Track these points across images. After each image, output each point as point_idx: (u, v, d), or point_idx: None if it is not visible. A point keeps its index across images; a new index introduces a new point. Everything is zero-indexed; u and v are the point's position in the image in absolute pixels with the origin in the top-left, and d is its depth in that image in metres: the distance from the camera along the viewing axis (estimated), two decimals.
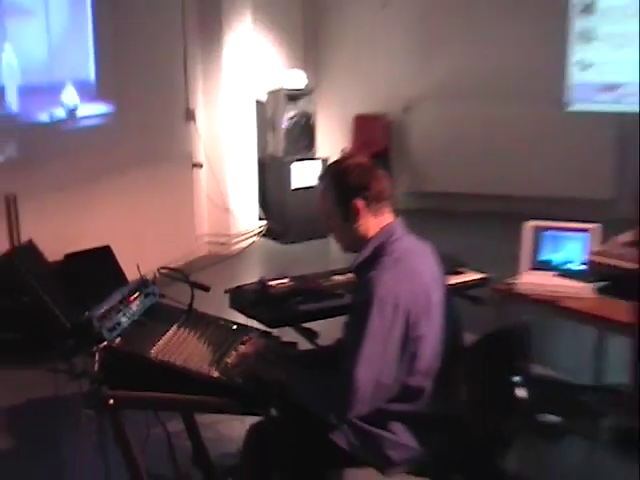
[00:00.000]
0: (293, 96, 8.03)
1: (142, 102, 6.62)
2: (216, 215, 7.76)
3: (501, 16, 8.69)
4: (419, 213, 8.88)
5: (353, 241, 2.66)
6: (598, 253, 3.62)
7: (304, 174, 7.92)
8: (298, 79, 8.17)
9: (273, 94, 8.10)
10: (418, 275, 2.55)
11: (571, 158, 8.40)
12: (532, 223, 3.78)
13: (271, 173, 8.23)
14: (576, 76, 8.38)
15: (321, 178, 2.71)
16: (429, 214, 8.56)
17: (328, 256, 6.72)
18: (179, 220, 7.35)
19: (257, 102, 8.10)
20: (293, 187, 7.94)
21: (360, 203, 2.59)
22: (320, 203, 2.68)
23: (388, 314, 2.42)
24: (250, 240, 8.06)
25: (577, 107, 8.32)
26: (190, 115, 7.49)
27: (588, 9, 8.27)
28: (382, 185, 2.64)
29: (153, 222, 6.81)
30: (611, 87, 8.25)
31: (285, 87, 8.03)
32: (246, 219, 7.99)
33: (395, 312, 2.42)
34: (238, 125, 7.76)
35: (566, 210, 8.05)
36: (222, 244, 7.74)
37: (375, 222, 2.62)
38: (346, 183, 2.62)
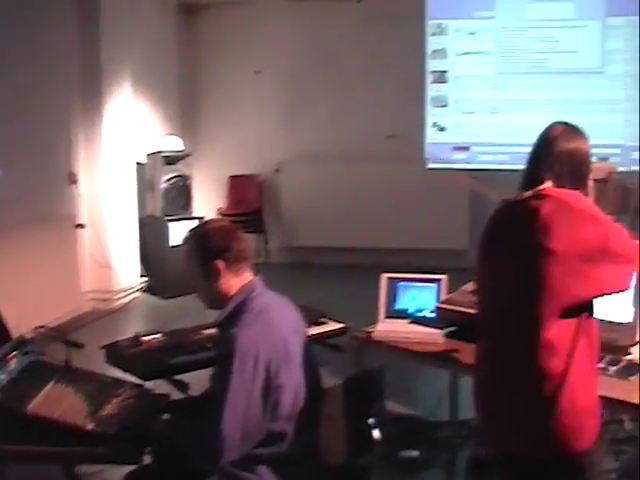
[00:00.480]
0: (171, 159, 8.36)
1: (26, 166, 6.81)
2: (99, 273, 7.95)
3: (365, 82, 9.39)
4: (291, 266, 9.37)
5: (216, 299, 2.84)
6: (447, 301, 3.84)
7: (182, 232, 8.14)
8: (175, 143, 8.53)
9: (152, 157, 8.42)
10: (277, 328, 2.74)
11: (430, 212, 9.14)
12: (387, 275, 4.03)
13: (151, 232, 8.50)
14: (433, 137, 8.98)
15: (185, 241, 2.92)
16: (300, 267, 9.14)
17: (204, 310, 6.96)
18: (63, 279, 7.48)
19: (137, 164, 8.41)
20: (171, 244, 8.20)
21: (221, 264, 2.79)
22: (185, 263, 2.88)
23: (249, 367, 2.59)
24: (132, 296, 8.28)
25: (434, 165, 8.89)
26: (72, 178, 7.71)
27: (442, 77, 8.93)
28: (242, 246, 2.85)
29: (38, 282, 6.92)
30: (463, 147, 8.92)
31: (163, 151, 8.36)
32: (128, 276, 8.21)
33: (256, 365, 2.60)
34: (119, 187, 8.07)
35: (426, 260, 8.69)
36: (105, 300, 7.93)
37: (236, 281, 2.81)
38: (208, 245, 2.81)
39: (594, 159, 2.72)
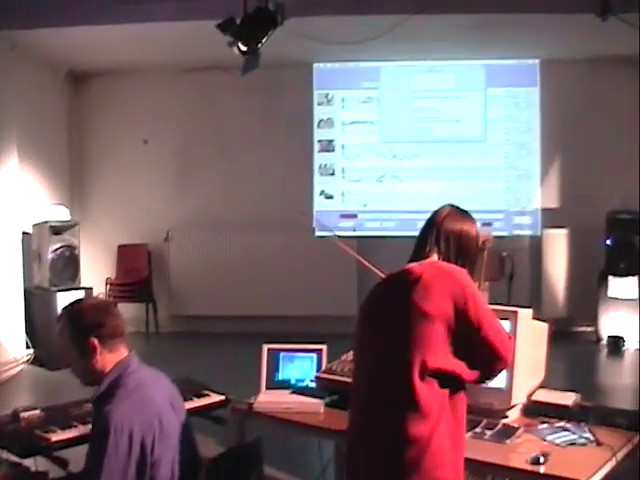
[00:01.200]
0: (58, 229, 8.25)
1: None
2: None
3: (251, 150, 9.53)
4: (180, 336, 9.29)
5: (91, 376, 2.83)
6: (326, 371, 3.86)
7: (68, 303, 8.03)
8: (62, 213, 8.43)
9: (38, 227, 8.28)
10: (152, 403, 2.75)
11: (319, 279, 9.22)
12: (269, 345, 4.06)
13: (37, 303, 8.30)
14: (321, 205, 9.27)
15: (59, 318, 2.91)
16: (189, 336, 9.12)
17: None
18: None
19: (23, 234, 8.25)
20: (57, 315, 8.01)
21: (95, 341, 2.80)
22: (59, 341, 2.89)
23: (124, 444, 2.60)
24: (18, 368, 8.03)
25: (322, 233, 9.09)
26: None
27: (328, 146, 9.16)
28: (116, 322, 2.85)
29: None
30: (351, 215, 9.11)
31: (50, 220, 8.24)
32: (13, 348, 7.98)
33: (130, 442, 2.61)
34: (3, 257, 7.85)
35: (316, 327, 8.80)
36: None
37: (111, 357, 2.80)
38: (81, 322, 2.80)
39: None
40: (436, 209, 2.79)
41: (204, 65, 9.31)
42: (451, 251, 2.67)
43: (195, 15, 6.83)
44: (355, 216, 9.16)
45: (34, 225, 8.33)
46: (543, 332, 3.51)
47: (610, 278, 8.52)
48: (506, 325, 3.06)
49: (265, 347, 4.08)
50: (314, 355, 4.05)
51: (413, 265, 2.62)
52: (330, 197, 9.22)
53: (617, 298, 8.52)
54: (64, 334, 2.87)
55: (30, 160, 8.59)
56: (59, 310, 7.79)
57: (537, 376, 3.49)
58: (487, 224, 8.74)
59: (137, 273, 9.51)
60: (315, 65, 9.17)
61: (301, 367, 4.05)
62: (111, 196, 9.79)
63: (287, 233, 9.26)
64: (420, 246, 2.70)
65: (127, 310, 9.21)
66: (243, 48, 5.92)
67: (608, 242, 8.54)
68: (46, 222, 8.23)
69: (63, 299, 7.99)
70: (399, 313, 2.53)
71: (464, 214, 2.77)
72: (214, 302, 9.41)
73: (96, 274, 9.14)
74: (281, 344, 4.11)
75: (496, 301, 3.56)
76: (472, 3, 6.72)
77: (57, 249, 8.21)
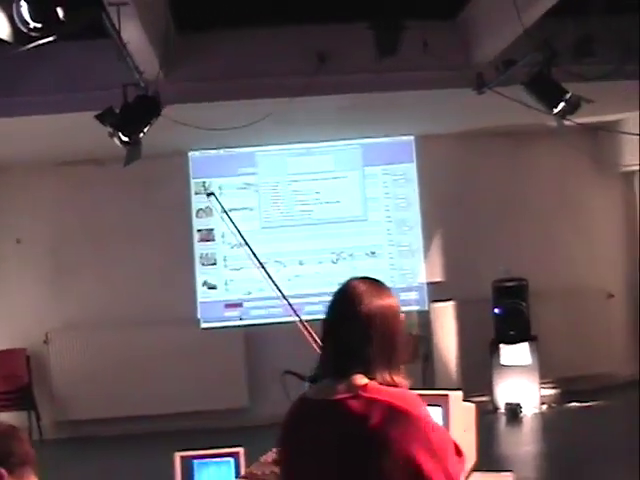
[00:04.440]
0: None
1: None
2: None
3: (129, 244, 9.17)
4: (67, 442, 8.72)
5: None
6: (248, 476, 3.51)
7: None
8: None
9: None
10: None
11: (208, 372, 8.85)
12: (181, 453, 3.80)
13: None
14: (204, 296, 8.97)
15: None
16: (77, 442, 8.55)
17: None
18: None
19: None
20: None
21: (4, 472, 2.40)
22: None
23: None
24: None
25: (208, 324, 8.85)
26: None
27: (208, 235, 8.95)
28: (26, 448, 2.49)
29: None
30: (236, 304, 8.90)
31: None
32: None
33: None
34: None
35: (209, 421, 8.48)
36: None
37: None
38: None
39: None
40: (338, 291, 2.31)
41: (76, 159, 9.00)
42: (376, 352, 2.20)
43: (72, 107, 6.61)
44: (240, 305, 8.92)
45: None
46: (472, 413, 3.37)
47: (501, 346, 8.59)
48: (437, 411, 2.88)
49: (177, 455, 3.82)
50: (231, 460, 3.81)
51: (346, 397, 2.16)
52: (213, 287, 8.96)
53: (510, 365, 8.57)
54: None
55: None
56: None
57: (470, 460, 3.33)
58: None
59: (16, 380, 8.90)
60: (190, 153, 8.96)
61: (218, 474, 3.80)
62: None
63: (172, 327, 8.89)
64: (337, 356, 2.23)
65: (7, 419, 8.68)
66: (124, 138, 5.68)
67: (496, 311, 8.65)
68: None
69: None
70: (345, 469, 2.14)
71: (378, 287, 2.31)
72: (101, 404, 8.85)
73: None
74: (193, 450, 3.85)
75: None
76: (348, 84, 6.74)
77: None
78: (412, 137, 9.03)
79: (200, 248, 8.99)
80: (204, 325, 8.88)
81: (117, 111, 5.60)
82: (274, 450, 3.55)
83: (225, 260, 8.98)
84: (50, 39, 3.45)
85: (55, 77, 6.55)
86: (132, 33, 5.19)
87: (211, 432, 7.94)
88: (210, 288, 8.97)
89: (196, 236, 8.98)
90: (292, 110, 6.98)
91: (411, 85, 6.83)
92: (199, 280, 8.96)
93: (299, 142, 8.95)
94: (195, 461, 3.81)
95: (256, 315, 8.87)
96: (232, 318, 8.90)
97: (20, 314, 9.12)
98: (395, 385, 2.19)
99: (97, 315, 9.10)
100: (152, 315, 8.92)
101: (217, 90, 6.76)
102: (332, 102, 7.26)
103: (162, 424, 8.45)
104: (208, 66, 6.71)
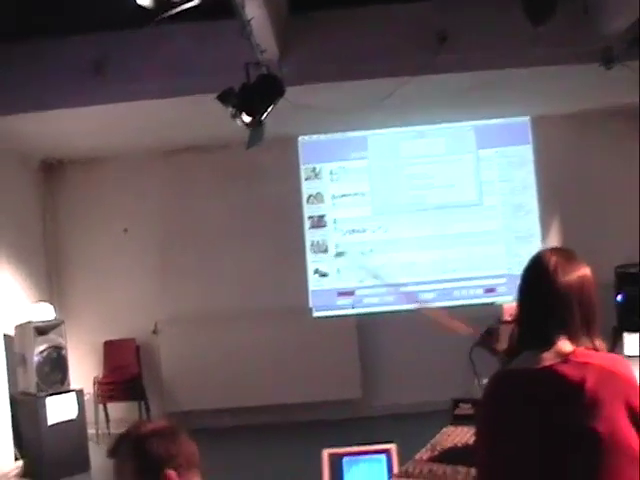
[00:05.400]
0: (42, 329, 7.72)
1: None
2: None
3: (238, 232, 9.11)
4: None
5: None
6: (403, 474, 3.29)
7: (60, 408, 7.54)
8: (46, 311, 7.91)
9: (21, 328, 7.74)
10: None
11: (319, 362, 8.68)
12: (329, 451, 3.62)
13: (25, 410, 7.69)
14: (316, 284, 8.90)
15: (112, 452, 2.34)
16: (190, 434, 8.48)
17: None
18: None
19: (5, 337, 7.69)
20: (49, 423, 7.48)
21: (172, 474, 2.26)
22: None
23: None
24: None
25: (320, 314, 8.77)
26: None
27: (319, 222, 8.85)
28: (191, 449, 2.36)
29: None
30: (348, 292, 8.76)
31: (33, 320, 7.72)
32: (1, 460, 7.39)
33: None
34: None
35: (321, 413, 8.37)
36: None
37: None
38: (149, 454, 2.27)
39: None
40: (531, 264, 2.32)
41: (183, 147, 9.02)
42: (577, 319, 2.21)
43: (186, 91, 6.59)
44: (352, 293, 8.79)
45: (16, 326, 7.81)
46: None
47: (625, 335, 8.21)
48: None
49: (325, 452, 3.64)
50: (382, 456, 3.62)
51: (556, 363, 2.16)
52: (325, 275, 8.86)
53: (634, 355, 8.20)
54: (125, 472, 2.29)
55: (5, 257, 8.13)
56: (49, 417, 7.33)
57: None
58: (490, 290, 8.45)
59: (126, 370, 8.97)
60: (300, 138, 8.89)
61: (369, 471, 3.62)
62: (93, 289, 9.26)
63: (283, 316, 8.76)
64: (539, 326, 2.23)
65: (116, 410, 8.80)
66: (247, 119, 5.61)
67: (619, 298, 8.28)
68: (29, 322, 7.71)
69: (53, 404, 7.50)
70: (560, 434, 2.10)
71: (570, 256, 2.32)
72: (210, 395, 8.82)
73: (82, 374, 8.54)
74: (342, 447, 3.66)
75: None
76: (470, 62, 6.53)
77: (43, 350, 7.67)
78: (527, 118, 8.75)
79: (311, 235, 8.90)
80: (316, 314, 8.80)
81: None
82: (429, 447, 3.44)
83: (337, 247, 8.86)
84: (192, 4, 3.39)
85: (168, 61, 6.48)
86: (255, 11, 5.14)
87: (323, 424, 7.89)
88: (322, 276, 8.87)
89: (307, 223, 8.89)
90: (404, 92, 6.78)
91: (537, 61, 6.56)
92: (310, 268, 8.87)
93: (411, 125, 8.73)
94: (344, 458, 3.64)
95: (369, 303, 8.74)
96: (344, 306, 8.78)
97: (128, 304, 9.16)
98: (597, 350, 2.21)
99: (206, 305, 9.08)
100: (262, 304, 8.84)
101: (332, 71, 6.60)
102: (444, 84, 7.05)
103: (271, 415, 8.41)
104: (323, 47, 6.54)
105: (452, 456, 3.32)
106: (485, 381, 2.42)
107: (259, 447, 7.66)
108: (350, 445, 3.62)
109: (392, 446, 3.62)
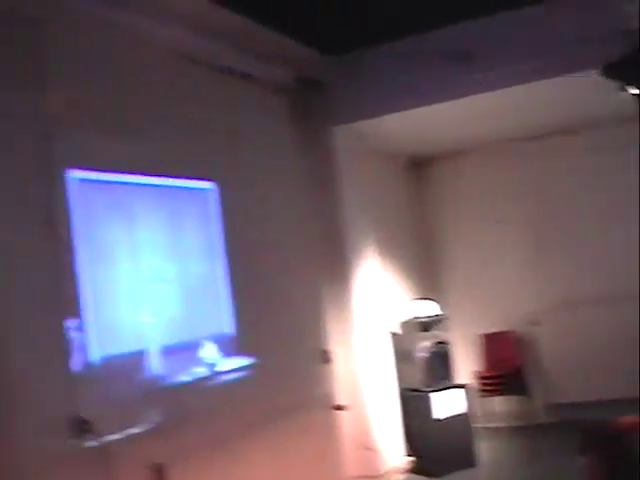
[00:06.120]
0: (426, 325, 7.75)
1: (279, 350, 6.37)
2: (363, 455, 7.23)
3: (617, 213, 8.58)
4: (558, 427, 8.30)
5: None
6: None
7: (446, 403, 7.50)
8: (430, 307, 7.93)
9: (406, 325, 7.84)
10: None
11: None
12: None
13: (412, 406, 7.73)
14: None
15: (585, 449, 2.09)
16: (567, 427, 8.04)
17: None
18: (325, 464, 6.82)
19: (392, 334, 7.85)
20: (435, 418, 7.48)
21: None
22: None
23: None
24: (400, 478, 7.49)
25: None
26: (326, 357, 7.18)
27: None
28: None
29: (299, 468, 6.32)
30: None
31: (417, 316, 7.78)
32: (392, 456, 7.50)
33: None
34: (375, 361, 7.49)
35: None
36: None
37: None
38: None
39: None
40: None
41: (546, 131, 8.67)
42: None
43: (554, 72, 6.35)
44: None
45: (402, 323, 7.88)
46: None
47: None
48: None
49: None
50: None
51: None
52: None
53: None
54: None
55: (385, 254, 8.28)
56: (435, 412, 7.24)
57: None
58: None
59: (507, 363, 8.84)
60: None
61: None
62: (467, 282, 9.30)
63: None
64: None
65: (498, 404, 8.63)
66: (636, 91, 5.21)
67: None
68: (415, 318, 7.76)
69: (438, 400, 7.46)
70: None
71: None
72: (591, 386, 8.41)
73: (463, 368, 8.54)
74: None
75: None
76: None
77: (429, 346, 7.66)
78: None
79: None
80: None
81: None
82: None
83: None
84: None
85: (533, 44, 6.36)
86: None
87: None
88: None
89: None
90: None
91: None
92: None
93: None
94: None
95: None
96: None
97: (505, 295, 9.04)
98: None
99: (588, 293, 8.69)
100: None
101: None
102: None
103: None
104: None
105: None
106: None
107: None
108: None
109: None
